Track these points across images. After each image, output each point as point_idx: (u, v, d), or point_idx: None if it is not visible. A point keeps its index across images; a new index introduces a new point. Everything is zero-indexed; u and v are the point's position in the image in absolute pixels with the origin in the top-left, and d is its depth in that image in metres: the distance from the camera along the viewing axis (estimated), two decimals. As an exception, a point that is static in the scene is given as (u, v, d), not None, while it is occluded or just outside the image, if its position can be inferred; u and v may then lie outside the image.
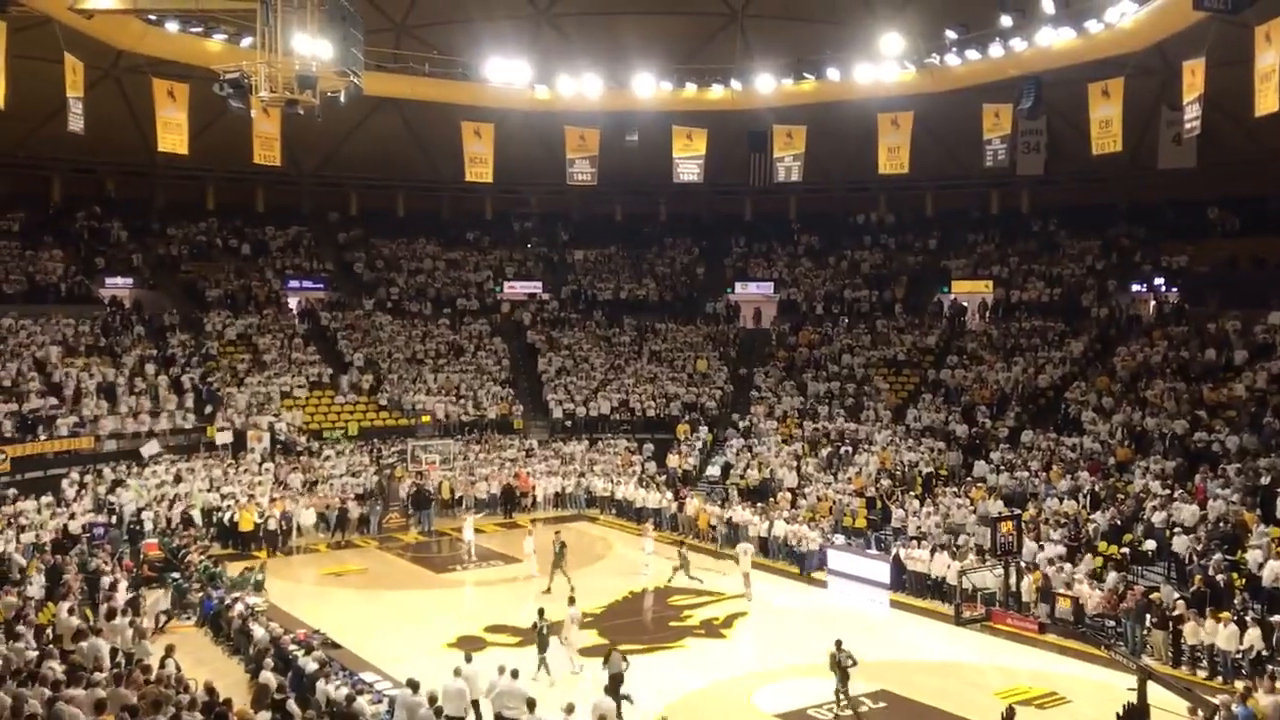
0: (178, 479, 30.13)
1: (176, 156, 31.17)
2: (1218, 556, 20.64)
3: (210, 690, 14.08)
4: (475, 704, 15.47)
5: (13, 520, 24.59)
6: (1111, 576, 21.27)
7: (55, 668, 14.25)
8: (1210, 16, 21.54)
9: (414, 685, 14.78)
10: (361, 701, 14.63)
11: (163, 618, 21.60)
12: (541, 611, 18.79)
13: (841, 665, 17.22)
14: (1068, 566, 22.10)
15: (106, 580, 21.30)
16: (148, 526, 27.15)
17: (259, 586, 22.96)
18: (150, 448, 31.58)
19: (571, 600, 19.48)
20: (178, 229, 42.02)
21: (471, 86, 33.62)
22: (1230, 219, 36.05)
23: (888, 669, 19.26)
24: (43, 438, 29.57)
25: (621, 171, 38.97)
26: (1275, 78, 20.94)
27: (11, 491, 26.84)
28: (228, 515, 28.66)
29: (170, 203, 42.51)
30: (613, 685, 16.57)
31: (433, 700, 14.24)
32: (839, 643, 17.58)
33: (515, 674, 15.43)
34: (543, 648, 18.13)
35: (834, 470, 31.98)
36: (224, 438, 32.86)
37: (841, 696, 17.21)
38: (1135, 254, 37.74)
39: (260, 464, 32.24)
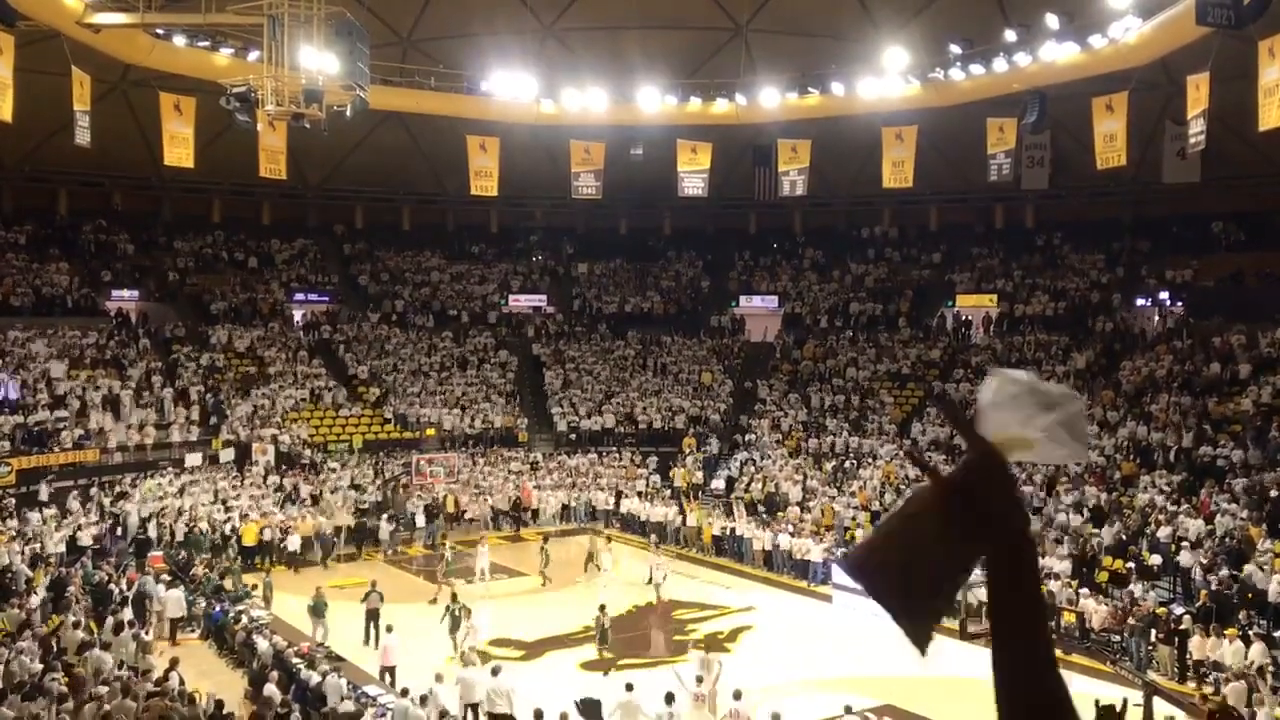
0: (182, 491, 30.10)
1: (183, 170, 31.34)
2: (1224, 572, 20.59)
3: (217, 704, 14.10)
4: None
5: (19, 532, 24.62)
6: (1131, 589, 21.21)
7: (59, 680, 14.27)
8: (1214, 31, 21.59)
9: (422, 699, 14.91)
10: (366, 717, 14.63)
11: (170, 625, 21.65)
12: (455, 595, 22.09)
13: (603, 628, 20.15)
14: (1074, 581, 22.07)
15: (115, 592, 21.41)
16: (152, 534, 27.13)
17: (319, 612, 21.39)
18: (193, 459, 31.68)
19: (467, 613, 21.13)
20: (184, 242, 42.15)
21: (477, 100, 33.79)
22: (1235, 233, 36.07)
23: (892, 684, 19.20)
24: (58, 450, 29.55)
25: (626, 185, 39.06)
26: (1278, 93, 20.99)
27: (9, 502, 26.82)
28: (228, 526, 28.50)
29: (176, 216, 42.67)
30: (369, 619, 20.99)
31: (444, 715, 14.48)
32: (602, 607, 20.95)
33: (497, 671, 16.47)
34: (453, 629, 20.58)
35: (838, 484, 31.95)
36: (228, 451, 32.89)
37: (603, 654, 19.88)
38: (1140, 268, 37.75)
39: (265, 476, 32.22)
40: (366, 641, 21.07)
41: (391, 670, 18.45)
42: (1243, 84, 22.72)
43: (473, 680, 16.68)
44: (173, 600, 22.00)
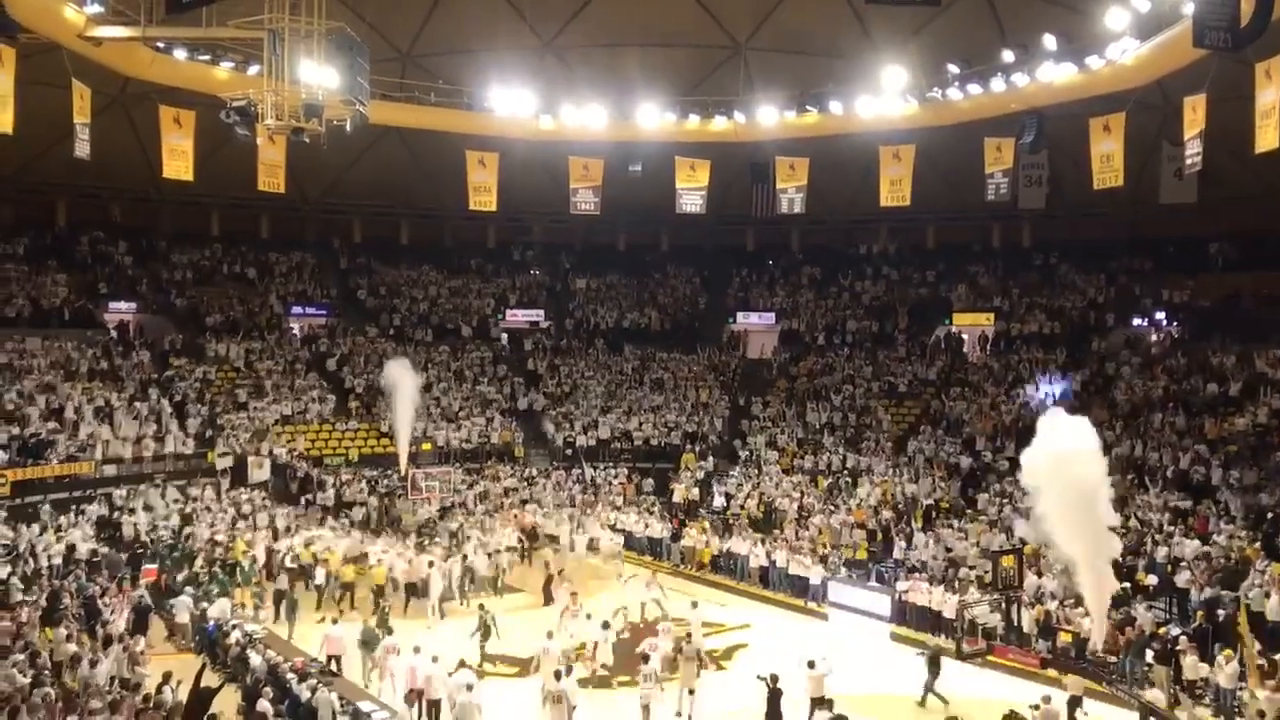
0: (189, 514, 29.57)
1: (181, 182, 31.31)
2: (1221, 592, 20.57)
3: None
4: None
5: (13, 544, 24.52)
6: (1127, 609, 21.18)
7: (50, 694, 14.20)
8: (1211, 53, 21.68)
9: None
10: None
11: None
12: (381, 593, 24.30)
13: (486, 624, 21.31)
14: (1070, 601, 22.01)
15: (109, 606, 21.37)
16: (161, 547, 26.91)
17: (370, 646, 20.42)
18: (194, 491, 30.98)
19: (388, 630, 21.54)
20: (182, 254, 42.17)
21: (476, 116, 33.87)
22: (1231, 254, 36.19)
23: (887, 703, 19.16)
24: (54, 462, 29.40)
25: (625, 201, 39.12)
26: (1275, 115, 21.07)
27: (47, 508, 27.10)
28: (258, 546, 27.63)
29: (175, 228, 42.68)
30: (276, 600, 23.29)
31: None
32: (482, 605, 22.78)
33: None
34: (387, 631, 21.13)
35: (835, 501, 31.86)
36: (224, 463, 32.81)
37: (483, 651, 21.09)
38: (1136, 288, 37.85)
39: (261, 493, 32.05)
40: (275, 620, 23.33)
41: (337, 659, 19.68)
42: (1239, 105, 22.81)
43: (426, 671, 17.70)
44: (181, 605, 22.46)
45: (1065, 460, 16.72)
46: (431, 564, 25.89)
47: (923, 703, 19.08)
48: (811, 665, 17.76)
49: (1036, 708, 16.35)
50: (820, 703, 16.93)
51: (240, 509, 30.59)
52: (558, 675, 17.54)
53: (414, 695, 17.79)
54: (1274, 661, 17.35)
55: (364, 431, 37.04)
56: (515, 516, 32.94)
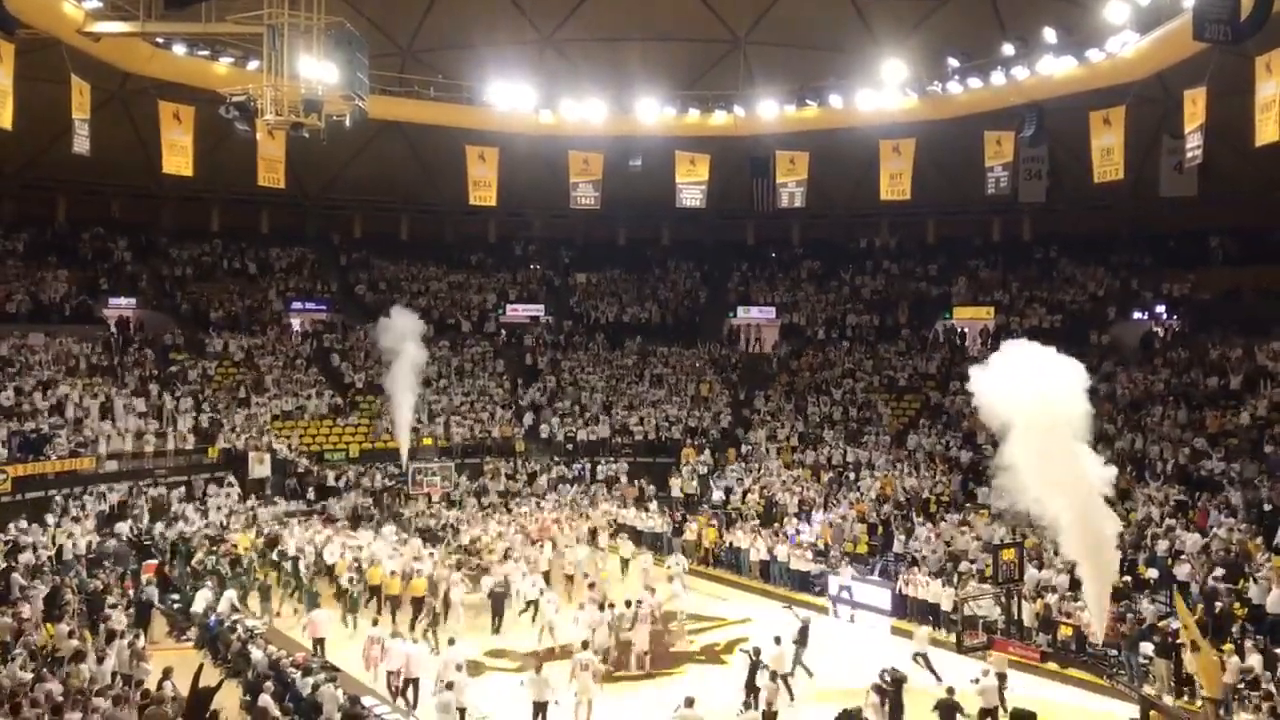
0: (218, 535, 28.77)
1: (182, 178, 31.35)
2: (1222, 585, 20.57)
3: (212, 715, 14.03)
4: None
5: (15, 540, 24.54)
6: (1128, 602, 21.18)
7: (53, 690, 14.22)
8: (1211, 46, 21.66)
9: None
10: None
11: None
12: (352, 581, 24.07)
13: (435, 613, 21.77)
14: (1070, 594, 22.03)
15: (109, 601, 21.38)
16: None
17: None
18: (216, 500, 30.80)
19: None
20: (182, 250, 42.16)
21: (476, 111, 33.89)
22: (1232, 248, 36.18)
23: (889, 696, 19.13)
24: (52, 457, 29.43)
25: (625, 196, 39.12)
26: (1276, 108, 21.07)
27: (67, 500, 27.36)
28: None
29: (175, 224, 42.66)
30: None
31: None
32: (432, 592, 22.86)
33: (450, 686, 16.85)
34: (352, 609, 22.80)
35: (836, 495, 31.86)
36: (225, 459, 32.86)
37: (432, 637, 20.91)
38: (1136, 281, 37.83)
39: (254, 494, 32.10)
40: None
41: (321, 642, 20.27)
42: (1239, 99, 22.80)
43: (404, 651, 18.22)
44: (201, 598, 22.53)
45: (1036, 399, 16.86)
46: (461, 566, 25.47)
47: (791, 673, 19.26)
48: (777, 641, 18.53)
49: (976, 681, 17.08)
50: (774, 675, 17.69)
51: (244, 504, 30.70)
52: (584, 645, 18.36)
53: (392, 676, 18.24)
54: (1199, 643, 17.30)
55: (364, 427, 37.06)
56: (541, 529, 29.91)
